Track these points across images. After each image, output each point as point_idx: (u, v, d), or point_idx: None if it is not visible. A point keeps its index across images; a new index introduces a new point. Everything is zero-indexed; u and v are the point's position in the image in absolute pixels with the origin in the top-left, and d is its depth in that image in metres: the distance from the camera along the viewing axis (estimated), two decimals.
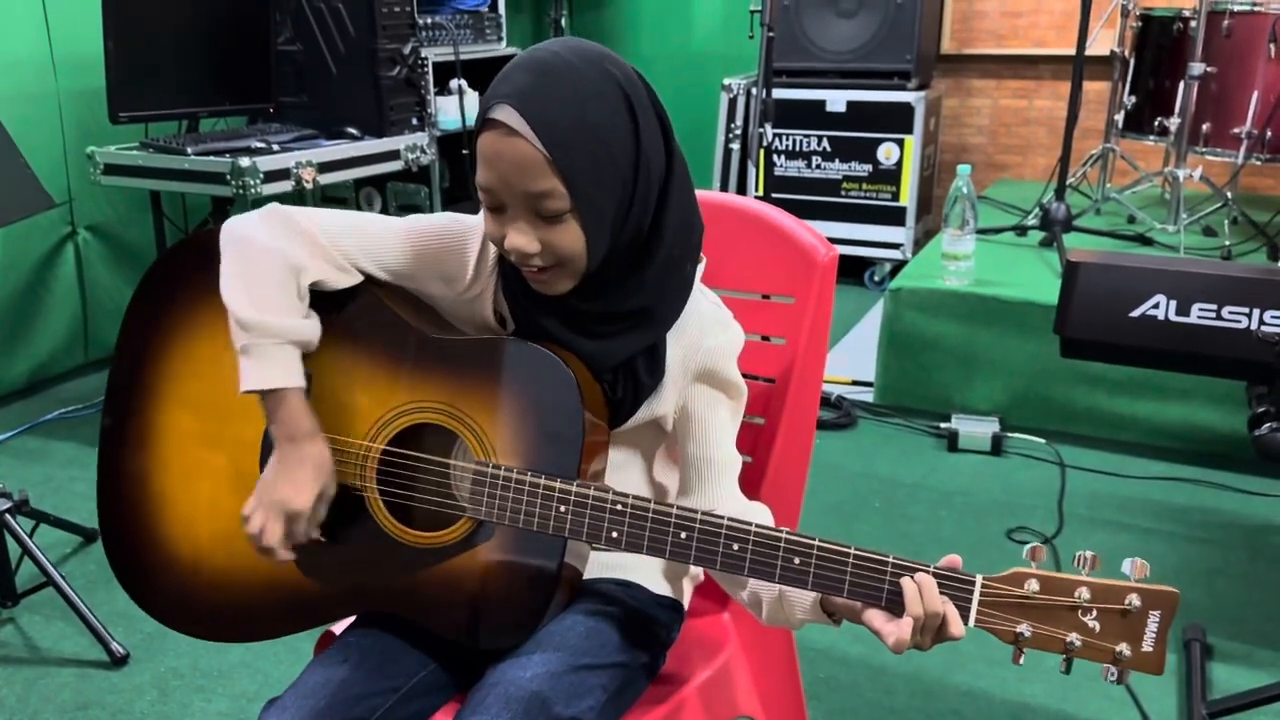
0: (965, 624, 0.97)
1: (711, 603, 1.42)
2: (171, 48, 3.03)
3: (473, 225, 1.18)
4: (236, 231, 1.15)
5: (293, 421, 1.10)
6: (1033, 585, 0.96)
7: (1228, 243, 3.38)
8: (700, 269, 1.18)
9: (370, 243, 1.17)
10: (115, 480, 1.25)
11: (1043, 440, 2.91)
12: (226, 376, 1.18)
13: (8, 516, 2.12)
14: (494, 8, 4.22)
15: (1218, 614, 2.15)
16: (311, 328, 1.13)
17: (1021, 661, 0.98)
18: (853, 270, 4.31)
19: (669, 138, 1.09)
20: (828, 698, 1.92)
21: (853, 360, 3.43)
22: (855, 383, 3.31)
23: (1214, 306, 1.59)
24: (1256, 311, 1.56)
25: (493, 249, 1.16)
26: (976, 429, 2.90)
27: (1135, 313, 1.63)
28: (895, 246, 4.29)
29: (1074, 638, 0.95)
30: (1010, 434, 2.93)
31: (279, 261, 1.12)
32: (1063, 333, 1.72)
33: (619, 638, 1.15)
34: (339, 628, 1.26)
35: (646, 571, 1.25)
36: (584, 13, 5.14)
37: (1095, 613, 0.95)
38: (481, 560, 1.09)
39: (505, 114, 1.01)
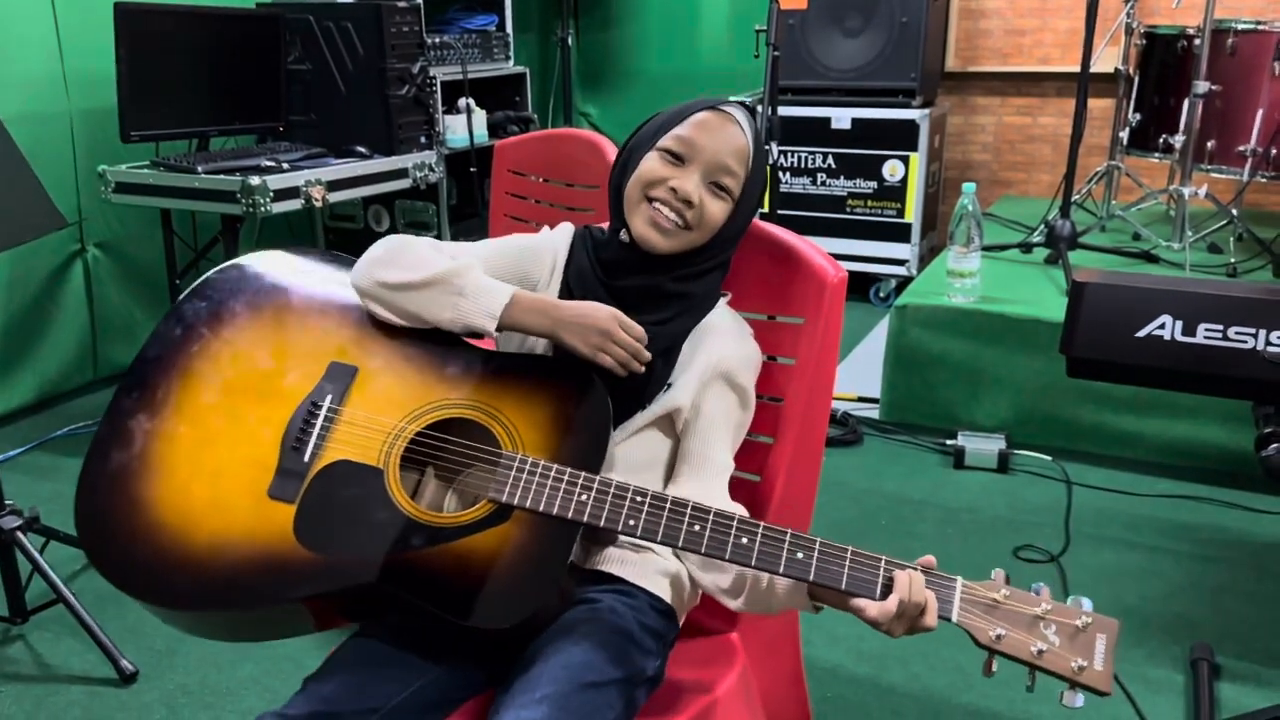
0: (950, 618, 1.04)
1: (720, 622, 1.43)
2: (182, 67, 3.06)
3: (540, 241, 1.36)
4: (367, 260, 1.26)
5: (543, 305, 1.23)
6: (1004, 592, 1.05)
7: (1233, 260, 3.39)
8: (725, 299, 1.36)
9: (468, 243, 1.34)
10: (111, 449, 1.20)
11: (1049, 458, 2.91)
12: (270, 360, 1.24)
13: (18, 534, 2.13)
14: (501, 27, 4.26)
15: (1225, 633, 2.14)
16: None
17: (995, 669, 1.04)
18: (858, 287, 4.32)
19: None
20: (834, 718, 1.91)
21: (858, 377, 3.44)
22: (861, 399, 3.31)
23: (1220, 327, 1.59)
24: (1263, 332, 1.57)
25: (563, 257, 1.34)
26: (983, 446, 2.90)
27: (1141, 333, 1.64)
28: (900, 263, 4.30)
29: (1039, 645, 1.02)
30: (1017, 451, 2.93)
31: (420, 244, 1.27)
32: (1069, 353, 1.72)
33: (626, 653, 1.16)
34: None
35: (647, 572, 1.27)
36: (591, 32, 5.17)
37: (1055, 626, 1.03)
38: (495, 541, 1.12)
39: (735, 110, 1.28)
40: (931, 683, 2.00)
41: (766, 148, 3.05)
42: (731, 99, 1.30)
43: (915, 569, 1.05)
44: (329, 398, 1.21)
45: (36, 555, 2.13)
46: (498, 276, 1.30)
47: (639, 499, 1.11)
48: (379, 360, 1.23)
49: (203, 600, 1.13)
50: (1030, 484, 2.81)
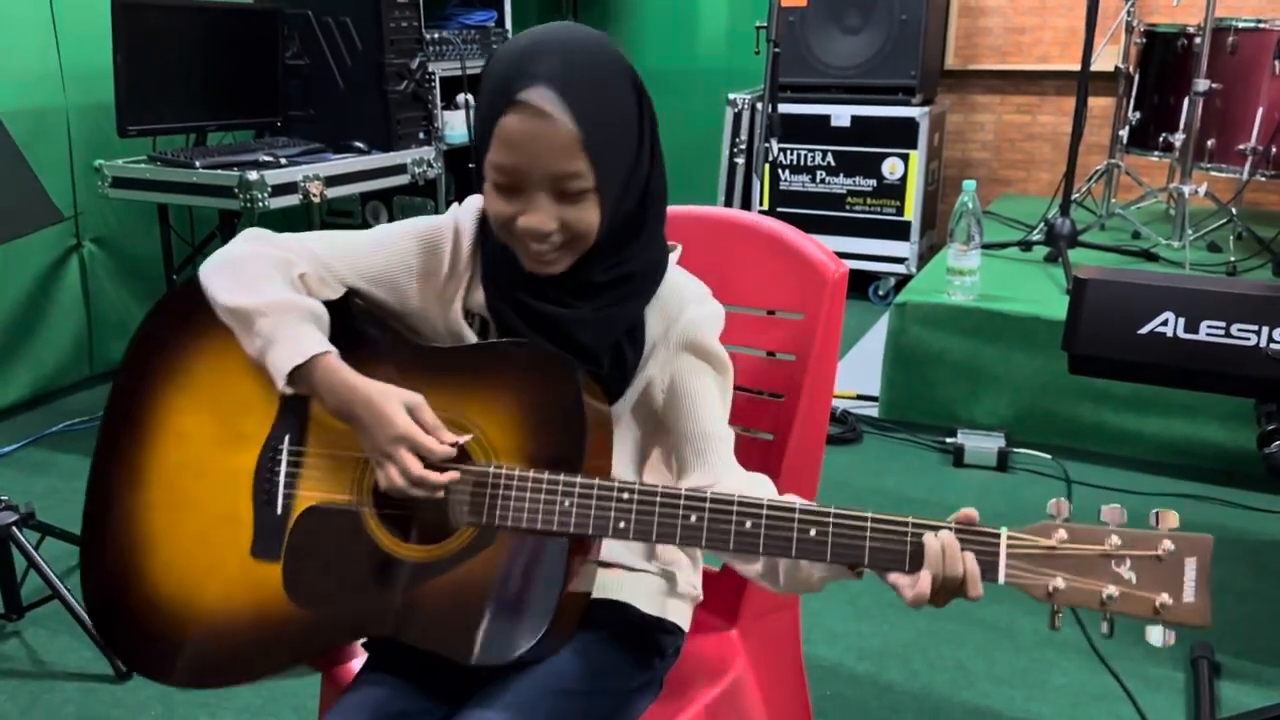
0: (996, 580, 0.93)
1: (719, 619, 1.42)
2: (180, 62, 3.04)
3: (443, 222, 1.18)
4: (215, 258, 1.16)
5: (340, 384, 1.07)
6: (1061, 535, 0.91)
7: (1232, 258, 3.38)
8: (675, 255, 1.19)
9: (344, 249, 1.17)
10: (100, 527, 1.19)
11: (1048, 456, 2.90)
12: (224, 404, 1.16)
13: (13, 529, 2.11)
14: (500, 23, 4.24)
15: (1225, 632, 2.14)
16: (319, 306, 1.12)
17: (1059, 624, 0.92)
18: (857, 285, 4.31)
19: (653, 112, 1.11)
20: (834, 716, 1.91)
21: (857, 375, 3.43)
22: (860, 397, 3.31)
23: (1223, 324, 1.59)
24: (1266, 329, 1.56)
25: (467, 244, 1.16)
26: (982, 444, 2.89)
27: (1144, 330, 1.63)
28: (900, 261, 4.29)
29: (1111, 590, 0.89)
30: (1016, 449, 2.92)
31: (265, 260, 1.13)
32: (1071, 349, 1.72)
33: (608, 663, 1.13)
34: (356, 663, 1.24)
35: (640, 592, 1.21)
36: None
37: (1130, 562, 0.90)
38: (483, 568, 1.04)
39: (538, 95, 1.00)
40: (931, 680, 2.00)
41: (766, 145, 3.03)
42: (530, 75, 1.00)
43: (949, 528, 0.94)
44: (287, 438, 1.13)
45: (32, 551, 2.12)
46: (370, 276, 1.16)
47: (626, 496, 1.01)
48: None
49: (210, 677, 1.15)
50: (1030, 482, 2.81)
